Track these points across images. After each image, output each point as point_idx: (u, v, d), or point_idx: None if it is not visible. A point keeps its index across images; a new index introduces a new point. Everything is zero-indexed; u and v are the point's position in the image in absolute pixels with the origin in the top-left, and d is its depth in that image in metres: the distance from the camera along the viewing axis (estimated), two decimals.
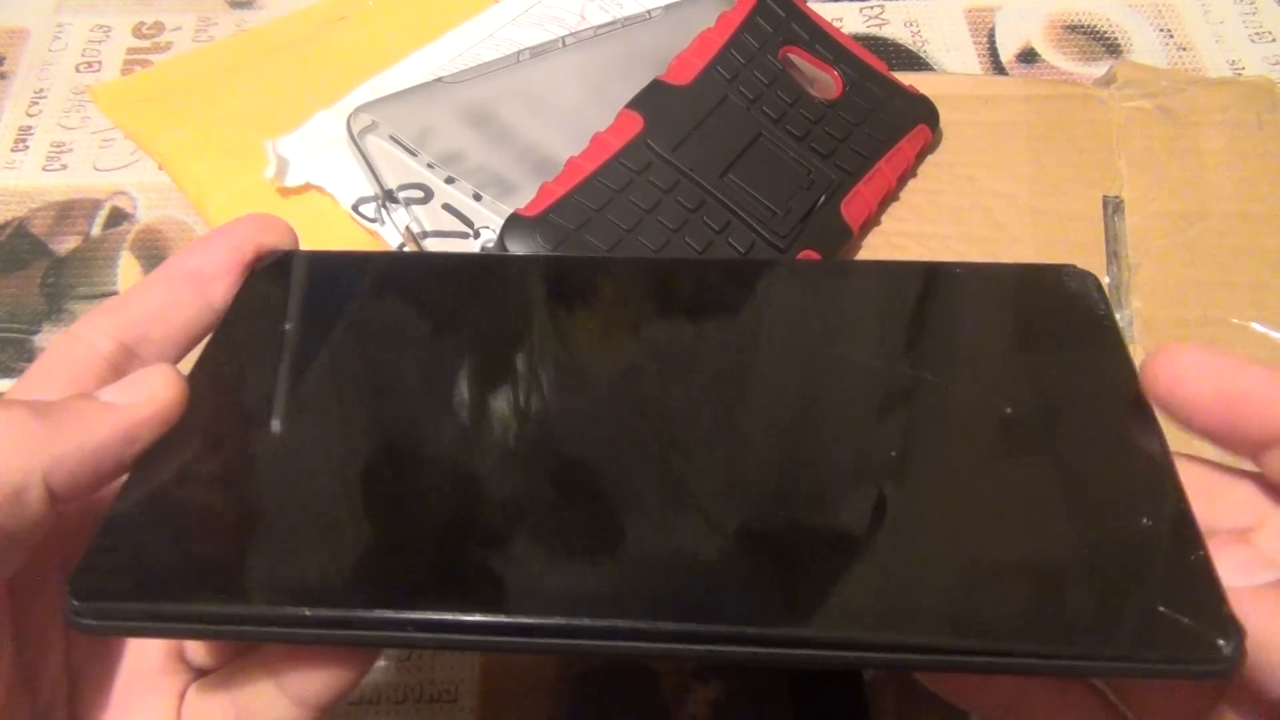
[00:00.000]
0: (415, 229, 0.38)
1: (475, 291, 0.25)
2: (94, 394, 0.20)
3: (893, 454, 0.20)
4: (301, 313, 0.24)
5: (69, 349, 0.21)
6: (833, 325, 0.23)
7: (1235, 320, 0.38)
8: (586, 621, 0.18)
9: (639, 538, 0.19)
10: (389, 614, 0.18)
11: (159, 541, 0.19)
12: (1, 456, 0.17)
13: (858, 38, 0.48)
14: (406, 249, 0.39)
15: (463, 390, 0.22)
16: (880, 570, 0.18)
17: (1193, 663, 0.17)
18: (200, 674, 0.22)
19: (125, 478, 0.20)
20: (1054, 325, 0.23)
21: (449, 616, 0.18)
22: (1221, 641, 0.17)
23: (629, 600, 0.18)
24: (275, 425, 0.21)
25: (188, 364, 0.23)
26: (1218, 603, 0.17)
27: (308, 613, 0.18)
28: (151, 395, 0.20)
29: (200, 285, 0.23)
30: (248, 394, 0.22)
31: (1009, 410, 0.21)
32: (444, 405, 0.22)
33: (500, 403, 0.22)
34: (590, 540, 0.19)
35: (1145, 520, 0.19)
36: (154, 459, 0.20)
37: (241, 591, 0.18)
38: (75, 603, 0.18)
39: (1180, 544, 0.18)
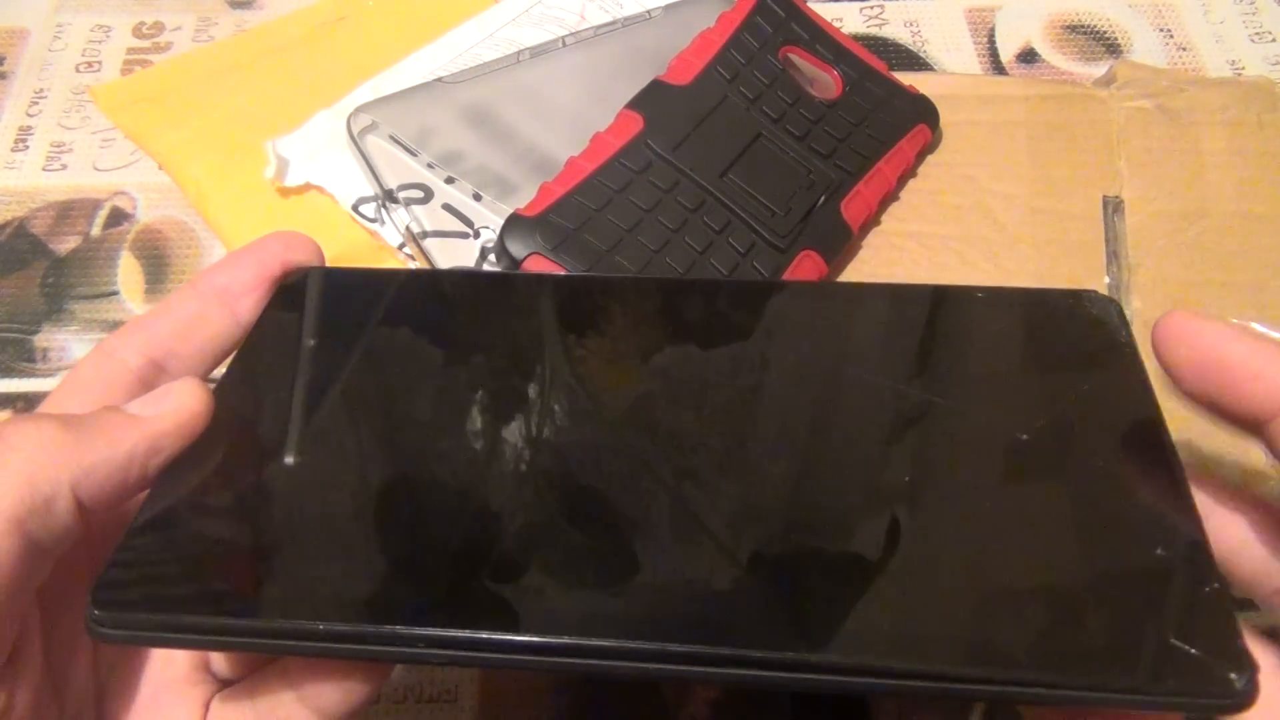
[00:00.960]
0: (415, 229, 0.38)
1: (499, 313, 0.25)
2: (121, 407, 0.20)
3: (907, 479, 0.20)
4: (325, 330, 0.24)
5: (100, 364, 0.22)
6: (850, 348, 0.23)
7: (1235, 320, 0.38)
8: (596, 642, 0.18)
9: (650, 561, 0.19)
10: (400, 630, 0.18)
11: (179, 554, 0.19)
12: (32, 467, 0.18)
13: (858, 38, 0.48)
14: (406, 249, 0.39)
15: (482, 414, 0.22)
16: (893, 597, 0.18)
17: (1205, 696, 0.17)
18: (224, 684, 0.22)
19: (149, 490, 0.20)
20: (1074, 351, 0.23)
21: (459, 634, 0.18)
22: (1234, 675, 0.17)
23: (640, 622, 0.18)
24: (296, 442, 0.22)
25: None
26: (1232, 636, 0.17)
27: (321, 627, 0.18)
28: (177, 407, 0.20)
29: (228, 301, 0.23)
30: (270, 410, 0.22)
31: (1026, 437, 0.21)
32: (463, 428, 0.22)
33: (519, 428, 0.22)
34: (601, 563, 0.19)
35: (1161, 551, 0.19)
36: (177, 472, 0.20)
37: (257, 605, 0.18)
38: (96, 612, 0.18)
39: (1195, 576, 0.18)
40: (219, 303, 0.23)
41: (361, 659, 0.19)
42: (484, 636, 0.18)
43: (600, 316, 0.25)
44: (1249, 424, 0.19)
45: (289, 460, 0.21)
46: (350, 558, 0.19)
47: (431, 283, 0.26)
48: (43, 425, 0.19)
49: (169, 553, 0.19)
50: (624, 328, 0.24)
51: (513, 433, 0.22)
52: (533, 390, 0.23)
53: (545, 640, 0.18)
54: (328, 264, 0.25)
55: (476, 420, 0.22)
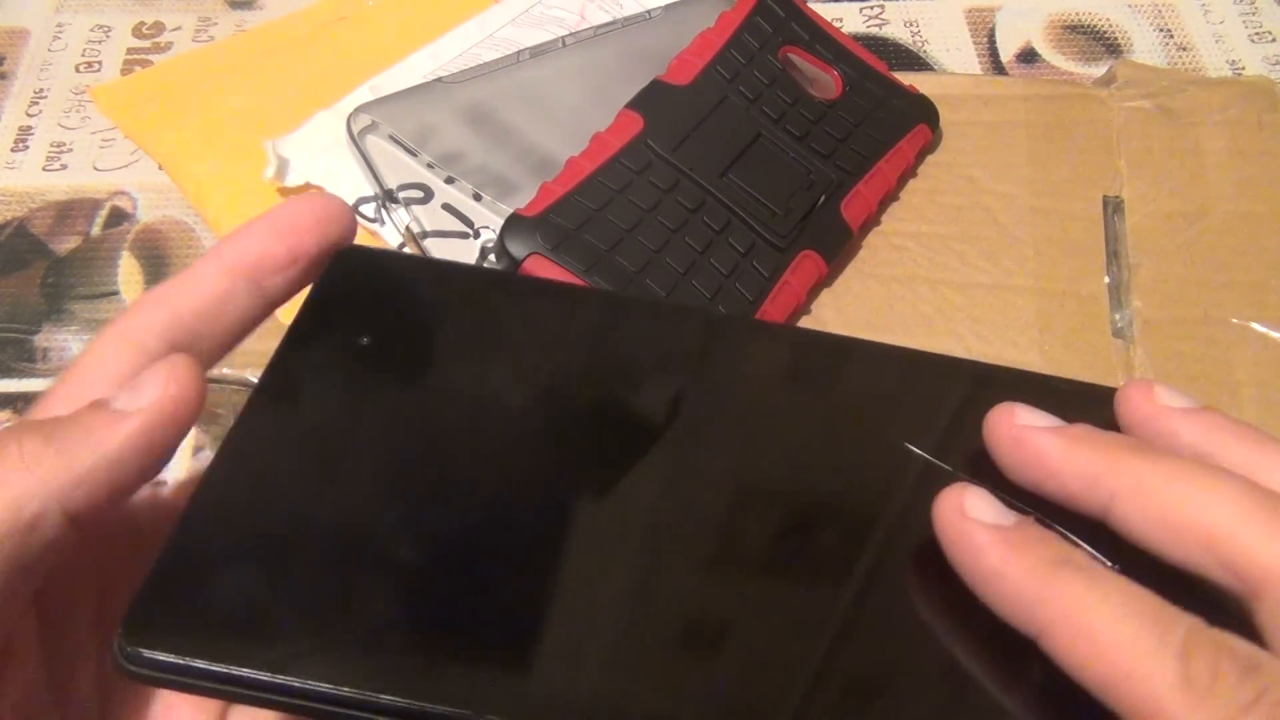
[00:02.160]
0: (415, 229, 0.38)
1: (571, 326, 0.23)
2: (106, 402, 0.18)
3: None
4: (383, 328, 0.21)
5: (117, 350, 0.20)
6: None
7: (1235, 320, 0.38)
8: None
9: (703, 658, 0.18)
10: (449, 710, 0.17)
11: (214, 594, 0.18)
12: (13, 492, 0.17)
13: (858, 38, 0.48)
14: (406, 249, 0.39)
15: (570, 449, 0.20)
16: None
17: None
18: None
19: (185, 509, 0.19)
20: None
21: None
22: None
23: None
24: (342, 463, 0.20)
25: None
26: None
27: (365, 697, 0.17)
28: (162, 397, 0.18)
29: (257, 279, 0.21)
30: (316, 422, 0.20)
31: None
32: (550, 467, 0.20)
33: (611, 465, 0.20)
34: (656, 661, 0.18)
35: None
36: (215, 484, 0.19)
37: (297, 664, 0.17)
38: (127, 649, 0.17)
39: None
40: (247, 279, 0.21)
41: None
42: None
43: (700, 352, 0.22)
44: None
45: (340, 487, 0.19)
46: (397, 614, 0.18)
47: (495, 282, 0.24)
48: (23, 441, 0.17)
49: (204, 592, 0.18)
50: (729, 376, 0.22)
51: (606, 472, 0.20)
52: (614, 418, 0.21)
53: None
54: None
55: (563, 458, 0.20)
